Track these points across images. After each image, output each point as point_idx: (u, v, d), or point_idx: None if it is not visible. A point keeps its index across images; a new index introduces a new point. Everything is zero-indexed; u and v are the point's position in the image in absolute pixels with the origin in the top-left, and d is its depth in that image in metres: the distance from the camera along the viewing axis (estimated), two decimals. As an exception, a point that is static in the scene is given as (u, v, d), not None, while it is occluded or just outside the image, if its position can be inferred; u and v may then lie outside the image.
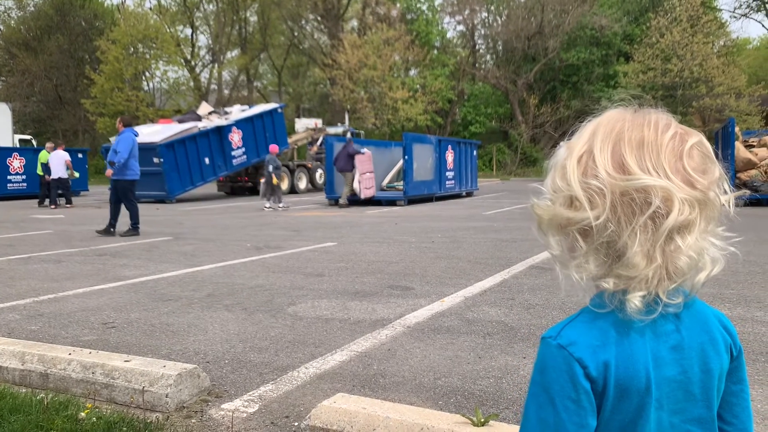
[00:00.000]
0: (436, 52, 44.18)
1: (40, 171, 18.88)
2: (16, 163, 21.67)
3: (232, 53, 46.92)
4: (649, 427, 0.82)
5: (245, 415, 2.88)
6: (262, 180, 16.63)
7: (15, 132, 27.23)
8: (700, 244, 0.80)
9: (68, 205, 18.10)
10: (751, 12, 41.88)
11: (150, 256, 7.89)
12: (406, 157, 16.79)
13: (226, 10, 44.61)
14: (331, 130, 26.43)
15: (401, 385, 3.22)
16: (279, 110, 24.14)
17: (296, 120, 30.24)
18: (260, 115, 22.93)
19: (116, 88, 38.89)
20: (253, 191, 23.24)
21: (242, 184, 23.63)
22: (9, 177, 21.45)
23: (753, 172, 15.36)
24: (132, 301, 5.26)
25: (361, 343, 3.95)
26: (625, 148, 0.80)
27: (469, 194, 21.49)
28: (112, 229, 10.17)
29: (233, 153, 21.59)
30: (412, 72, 43.50)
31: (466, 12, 43.85)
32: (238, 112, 23.63)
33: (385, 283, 5.91)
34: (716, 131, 18.59)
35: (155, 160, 18.70)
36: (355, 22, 46.10)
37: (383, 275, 6.35)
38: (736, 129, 16.23)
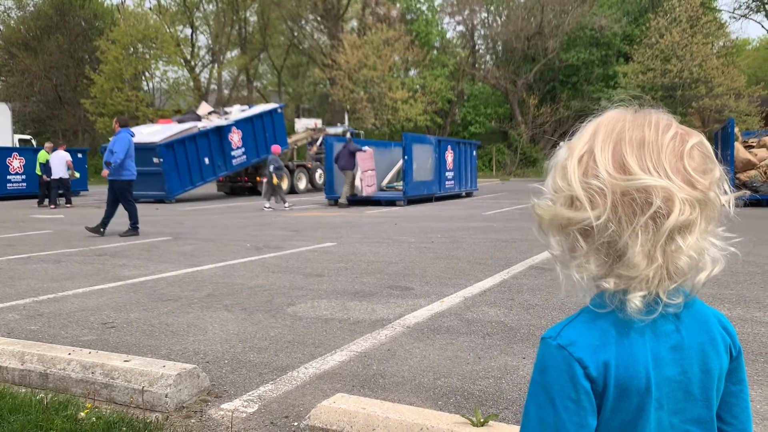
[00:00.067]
0: (435, 52, 44.19)
1: (38, 171, 18.88)
2: (15, 163, 21.67)
3: (232, 53, 46.96)
4: (649, 427, 0.82)
5: (245, 415, 2.88)
6: (264, 180, 16.65)
7: (15, 132, 27.25)
8: (701, 245, 0.80)
9: (68, 205, 18.10)
10: (751, 13, 41.96)
11: (149, 256, 7.89)
12: (406, 157, 16.79)
13: (226, 10, 44.63)
14: (331, 131, 26.43)
15: (401, 385, 3.22)
16: (279, 110, 24.14)
17: (296, 120, 30.24)
18: (260, 115, 22.93)
19: (116, 88, 38.92)
20: (253, 191, 23.25)
21: (242, 184, 23.63)
22: (8, 177, 21.45)
23: (752, 172, 15.36)
24: (131, 301, 5.26)
25: (360, 344, 3.95)
26: (625, 148, 0.80)
27: (468, 194, 21.49)
28: (102, 229, 10.17)
29: (233, 153, 21.59)
30: (412, 72, 43.51)
31: (466, 12, 43.87)
32: (237, 112, 23.63)
33: (385, 284, 5.91)
34: (716, 132, 18.60)
35: (155, 160, 18.70)
36: (354, 23, 46.10)
37: (383, 275, 6.35)
38: (736, 129, 16.24)
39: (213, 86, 46.93)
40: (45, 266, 7.14)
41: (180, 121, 22.16)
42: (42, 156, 18.77)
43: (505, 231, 10.31)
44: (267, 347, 3.92)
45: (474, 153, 22.12)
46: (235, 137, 21.61)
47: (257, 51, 46.33)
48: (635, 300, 0.80)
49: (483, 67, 46.28)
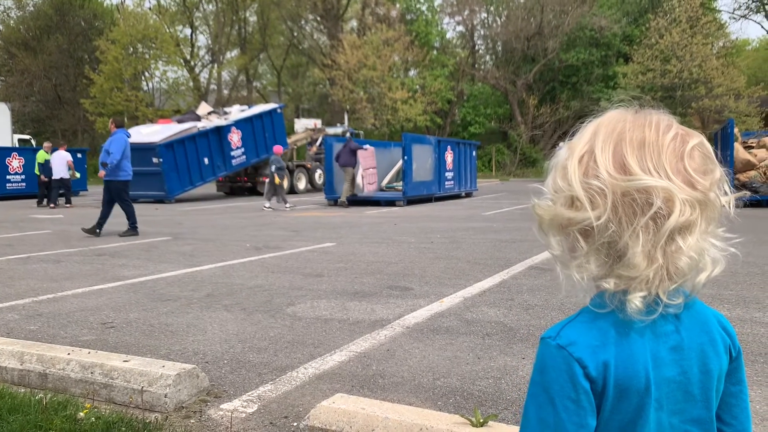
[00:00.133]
0: (435, 52, 44.17)
1: (37, 171, 18.87)
2: (15, 162, 21.66)
3: (232, 53, 46.94)
4: (648, 427, 0.82)
5: (244, 415, 2.87)
6: (266, 180, 16.66)
7: (14, 132, 27.25)
8: (701, 245, 0.80)
9: (68, 205, 18.10)
10: (751, 13, 41.97)
11: (149, 256, 7.89)
12: (406, 157, 16.79)
13: (226, 10, 44.62)
14: (331, 131, 26.43)
15: (400, 385, 3.22)
16: (278, 110, 24.14)
17: (296, 120, 30.24)
18: (260, 116, 22.93)
19: (115, 88, 38.89)
20: (252, 191, 23.25)
21: (241, 184, 23.63)
22: (8, 177, 21.44)
23: (752, 173, 15.36)
24: (131, 301, 5.25)
25: (360, 344, 3.95)
26: (626, 148, 0.80)
27: (468, 195, 21.49)
28: (98, 230, 10.17)
29: (232, 153, 21.58)
30: (412, 72, 43.49)
31: (466, 12, 43.86)
32: (237, 112, 23.62)
33: (384, 284, 5.91)
34: (715, 132, 18.60)
35: (154, 160, 18.70)
36: (354, 23, 46.10)
37: (382, 276, 6.34)
38: (735, 130, 16.24)
39: (213, 86, 46.95)
40: (44, 266, 7.14)
41: (179, 121, 22.15)
42: (41, 156, 18.76)
43: (504, 231, 10.31)
44: (266, 347, 3.92)
45: (474, 153, 22.13)
46: (235, 137, 21.61)
47: (257, 51, 46.32)
48: (635, 300, 0.80)
49: (483, 67, 46.29)
